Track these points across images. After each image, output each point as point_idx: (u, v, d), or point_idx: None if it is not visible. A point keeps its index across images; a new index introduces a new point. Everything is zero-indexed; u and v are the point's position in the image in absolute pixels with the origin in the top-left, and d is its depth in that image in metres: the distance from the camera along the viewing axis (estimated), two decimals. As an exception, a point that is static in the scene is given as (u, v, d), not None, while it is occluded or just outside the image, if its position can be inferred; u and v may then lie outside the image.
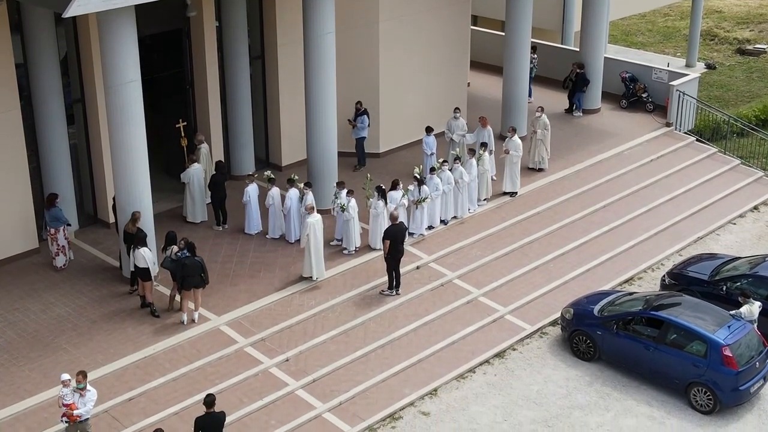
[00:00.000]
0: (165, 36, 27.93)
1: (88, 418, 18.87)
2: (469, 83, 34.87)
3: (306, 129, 26.91)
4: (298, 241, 25.84)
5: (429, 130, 29.18)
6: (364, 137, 30.07)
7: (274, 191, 25.89)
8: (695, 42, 46.47)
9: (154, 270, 22.97)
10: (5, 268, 24.66)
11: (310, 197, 25.27)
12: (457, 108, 30.16)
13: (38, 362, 21.38)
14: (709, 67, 46.86)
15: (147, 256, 22.53)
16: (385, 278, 24.59)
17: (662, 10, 56.85)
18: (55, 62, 24.87)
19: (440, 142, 30.19)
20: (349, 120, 29.75)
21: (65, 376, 18.75)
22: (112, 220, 25.82)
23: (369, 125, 30.01)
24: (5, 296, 23.61)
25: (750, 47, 50.11)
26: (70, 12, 20.14)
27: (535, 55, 35.52)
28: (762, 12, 56.28)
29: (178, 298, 23.08)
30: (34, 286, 24.07)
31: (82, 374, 18.73)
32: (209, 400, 18.41)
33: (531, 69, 35.48)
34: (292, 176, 26.25)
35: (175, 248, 22.74)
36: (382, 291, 24.54)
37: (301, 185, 25.64)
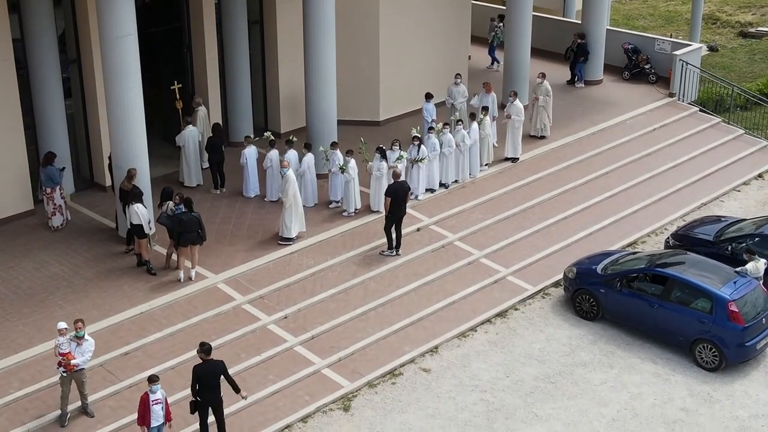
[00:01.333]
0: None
1: (84, 368, 18.54)
2: (470, 56, 34.56)
3: (305, 92, 26.57)
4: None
5: (429, 96, 28.78)
6: None
7: (273, 153, 25.52)
8: (697, 25, 46.00)
9: (149, 228, 22.59)
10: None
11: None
12: (458, 74, 29.83)
13: (32, 318, 21.04)
14: (711, 49, 46.53)
15: (141, 213, 22.18)
16: (386, 239, 24.24)
17: (664, -5, 56.63)
18: (51, 23, 24.60)
19: (441, 110, 29.86)
20: None
21: (62, 325, 18.38)
22: (108, 183, 25.56)
23: None
24: (-1, 255, 23.35)
25: (752, 30, 49.81)
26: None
27: (501, 24, 36.11)
28: (764, -4, 56.02)
29: (174, 256, 22.74)
30: (29, 246, 23.74)
31: (81, 322, 18.43)
32: (206, 348, 18.00)
33: (494, 37, 36.35)
34: (291, 138, 25.92)
35: (171, 204, 22.40)
36: (382, 251, 24.19)
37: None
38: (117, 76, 22.21)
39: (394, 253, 24.13)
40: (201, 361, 18.04)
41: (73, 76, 25.86)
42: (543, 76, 29.89)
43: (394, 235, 24.08)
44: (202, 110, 27.16)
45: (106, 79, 22.44)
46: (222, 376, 17.98)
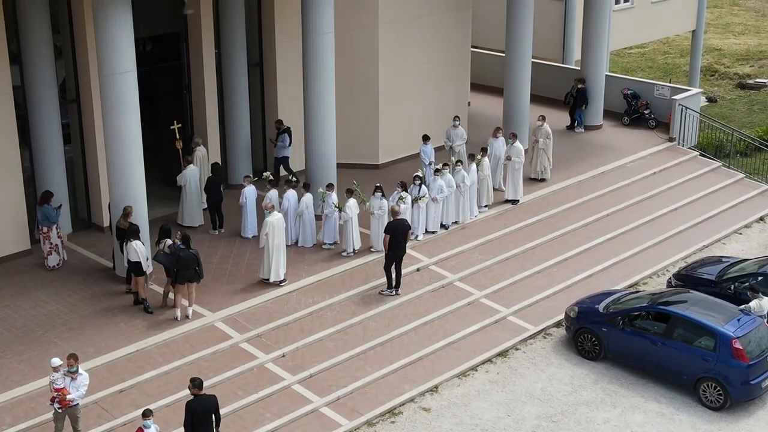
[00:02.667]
0: (162, 39, 27.72)
1: (78, 404, 18.24)
2: (469, 102, 34.61)
3: (304, 132, 26.51)
4: (296, 243, 25.37)
5: (426, 138, 28.63)
6: (287, 157, 28.53)
7: (272, 193, 25.34)
8: (696, 75, 46.31)
9: (147, 265, 22.40)
10: (-4, 268, 24.19)
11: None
12: (456, 116, 29.80)
13: (27, 355, 20.77)
14: (710, 100, 46.74)
15: (139, 250, 22.00)
16: (385, 279, 24.01)
17: (662, 48, 57.00)
18: (50, 67, 24.64)
19: (440, 153, 29.80)
20: (271, 139, 28.85)
21: (56, 362, 18.11)
22: (106, 223, 25.40)
23: (290, 144, 28.31)
24: (-5, 294, 23.11)
25: (751, 81, 50.07)
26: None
27: None
28: (762, 50, 56.39)
29: (171, 295, 22.51)
30: (25, 285, 23.52)
31: (74, 357, 18.17)
32: (198, 382, 17.68)
33: None
34: (290, 177, 25.81)
35: (168, 241, 22.23)
36: (382, 291, 23.95)
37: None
38: (116, 113, 22.15)
39: (394, 292, 23.89)
40: (193, 397, 17.73)
41: (72, 118, 25.82)
42: (543, 119, 29.85)
43: (393, 275, 23.86)
44: (200, 151, 27.06)
45: (105, 115, 22.40)
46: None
